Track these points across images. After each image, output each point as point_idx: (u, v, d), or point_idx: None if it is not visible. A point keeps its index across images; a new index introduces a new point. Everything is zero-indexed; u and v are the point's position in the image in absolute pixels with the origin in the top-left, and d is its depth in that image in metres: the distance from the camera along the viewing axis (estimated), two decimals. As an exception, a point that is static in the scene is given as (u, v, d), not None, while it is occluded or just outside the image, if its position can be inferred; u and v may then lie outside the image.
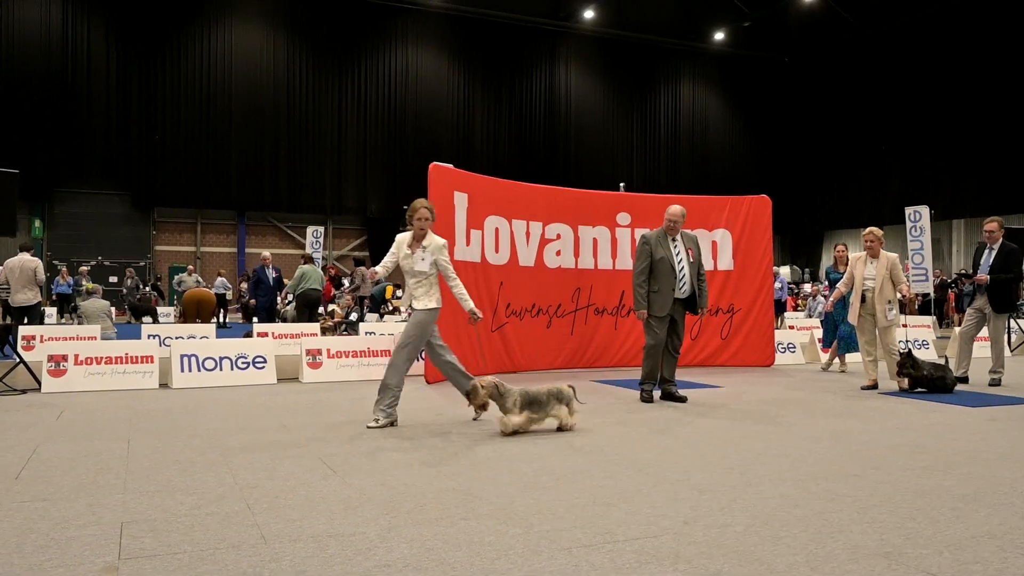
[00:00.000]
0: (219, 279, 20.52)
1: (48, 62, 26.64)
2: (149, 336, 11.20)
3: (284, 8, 30.21)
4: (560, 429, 5.52)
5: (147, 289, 22.23)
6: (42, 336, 10.48)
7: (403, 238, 5.84)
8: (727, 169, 37.40)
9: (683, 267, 7.07)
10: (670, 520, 3.41)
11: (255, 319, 14.30)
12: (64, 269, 21.68)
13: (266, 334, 11.28)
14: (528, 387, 5.50)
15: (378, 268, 5.83)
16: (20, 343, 9.03)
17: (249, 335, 11.63)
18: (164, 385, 8.15)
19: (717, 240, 10.20)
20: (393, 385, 5.66)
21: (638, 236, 7.95)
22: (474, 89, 33.55)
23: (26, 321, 10.50)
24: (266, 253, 14.04)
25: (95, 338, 10.62)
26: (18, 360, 7.74)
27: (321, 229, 22.03)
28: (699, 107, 38.19)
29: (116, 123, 27.81)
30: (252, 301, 13.37)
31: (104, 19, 27.62)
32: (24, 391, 7.44)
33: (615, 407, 6.81)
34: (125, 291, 21.51)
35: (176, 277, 21.18)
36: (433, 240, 5.74)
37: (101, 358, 7.84)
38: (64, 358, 7.67)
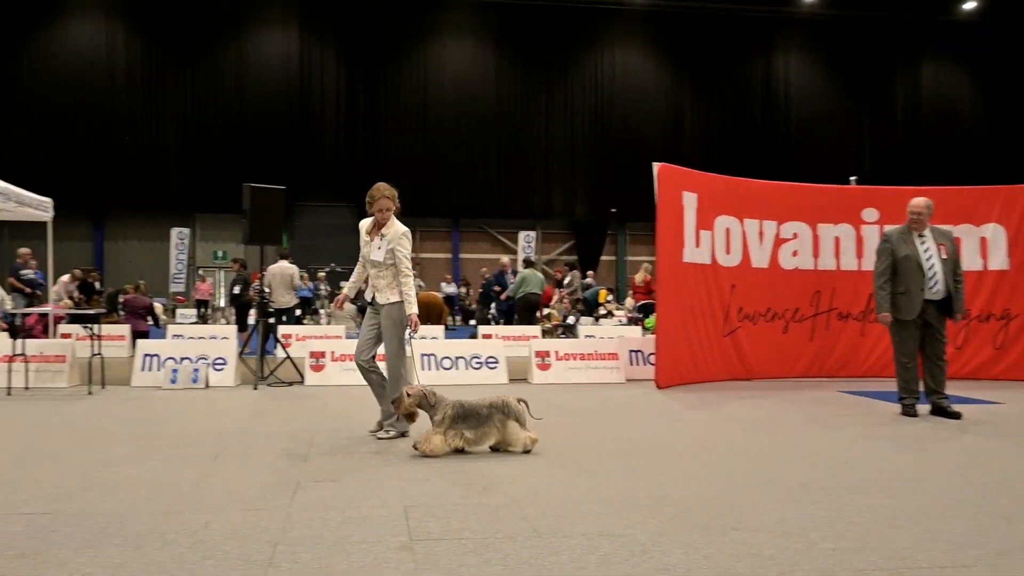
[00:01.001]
0: (446, 283, 21.95)
1: (288, 88, 30.20)
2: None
3: (494, 21, 31.68)
4: (495, 450, 4.78)
5: (375, 293, 24.29)
6: (296, 335, 11.87)
7: (364, 224, 5.53)
8: (979, 157, 33.16)
9: (933, 265, 6.39)
10: (977, 549, 3.07)
11: (479, 320, 15.01)
12: (305, 276, 24.39)
13: (490, 336, 11.86)
14: (465, 398, 4.83)
15: (346, 288, 6.03)
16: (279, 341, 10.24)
17: (474, 336, 12.29)
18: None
19: (987, 236, 9.06)
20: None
21: (889, 234, 7.27)
22: (682, 86, 32.85)
23: (284, 320, 11.96)
24: (505, 259, 14.71)
25: (340, 337, 11.80)
26: (285, 356, 8.82)
27: (533, 234, 22.69)
28: (945, 88, 34.26)
29: (345, 140, 30.83)
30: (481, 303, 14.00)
31: (335, 45, 30.73)
32: (290, 383, 8.45)
33: (866, 419, 6.28)
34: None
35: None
36: (394, 228, 5.36)
37: (349, 355, 8.71)
38: (322, 354, 8.61)
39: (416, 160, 31.25)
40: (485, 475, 4.30)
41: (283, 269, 11.89)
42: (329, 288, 23.40)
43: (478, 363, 8.72)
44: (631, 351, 9.21)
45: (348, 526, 3.36)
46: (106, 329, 10.42)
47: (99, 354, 7.99)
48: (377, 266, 5.36)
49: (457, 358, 8.74)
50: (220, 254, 29.88)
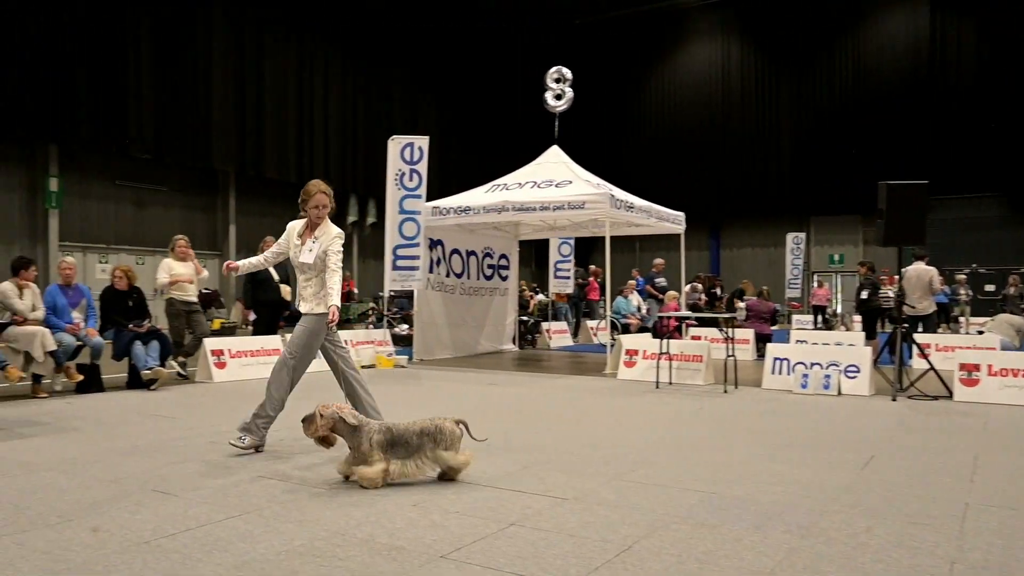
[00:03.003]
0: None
1: (915, 72, 28.30)
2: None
3: None
4: (443, 478, 4.34)
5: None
6: (936, 344, 11.00)
7: (294, 226, 5.39)
8: None
9: None
10: None
11: None
12: (941, 278, 22.42)
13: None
14: (393, 422, 4.34)
15: (242, 262, 5.59)
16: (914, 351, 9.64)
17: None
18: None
19: None
20: (277, 403, 5.12)
21: None
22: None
23: (920, 329, 11.23)
24: None
25: (994, 348, 10.48)
26: (929, 367, 8.29)
27: None
28: None
29: (984, 122, 27.33)
30: None
31: (973, 17, 27.63)
32: (935, 397, 7.90)
33: None
34: (1004, 299, 20.76)
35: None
36: (328, 229, 5.25)
37: (1013, 370, 7.68)
38: (976, 367, 7.82)
39: None
40: None
41: (920, 271, 11.20)
42: (971, 293, 21.07)
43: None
44: None
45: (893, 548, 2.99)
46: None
47: (732, 355, 8.87)
48: (305, 271, 5.29)
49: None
50: (836, 258, 29.86)
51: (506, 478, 4.41)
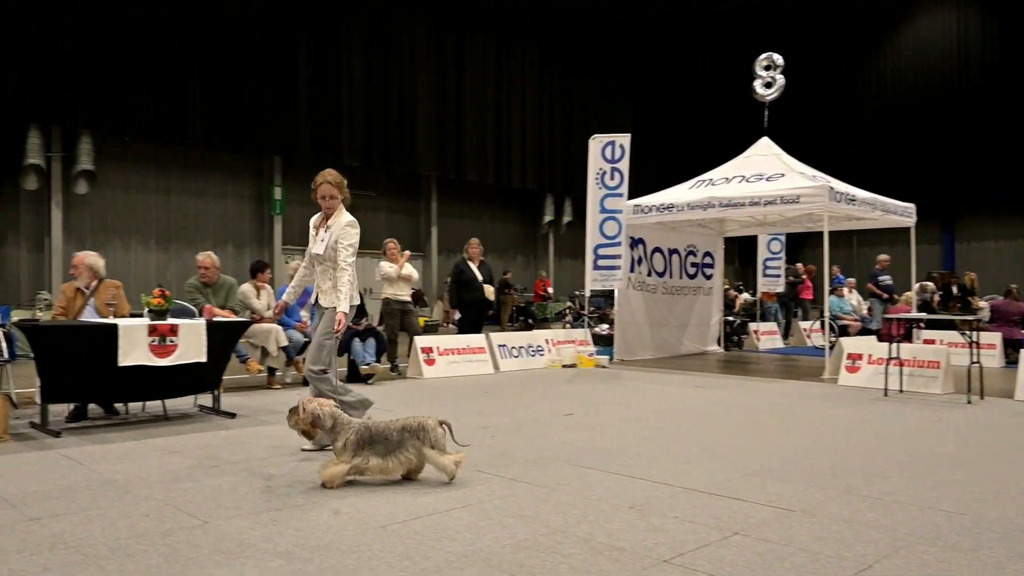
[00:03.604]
0: None
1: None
2: None
3: None
4: (406, 478, 4.31)
5: None
6: None
7: (314, 219, 5.36)
8: None
9: None
10: None
11: None
12: None
13: None
14: (373, 420, 4.31)
15: (286, 295, 5.67)
16: None
17: None
18: None
19: None
20: (338, 389, 5.20)
21: None
22: None
23: None
24: None
25: None
26: None
27: None
28: None
29: None
30: None
31: None
32: None
33: None
34: None
35: None
36: (339, 218, 5.18)
37: None
38: None
39: None
40: None
41: None
42: None
43: None
44: None
45: None
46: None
47: (977, 362, 8.07)
48: (321, 262, 5.21)
49: None
50: (1101, 251, 26.25)
51: (723, 485, 4.31)
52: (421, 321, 16.91)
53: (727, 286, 16.42)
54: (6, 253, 16.62)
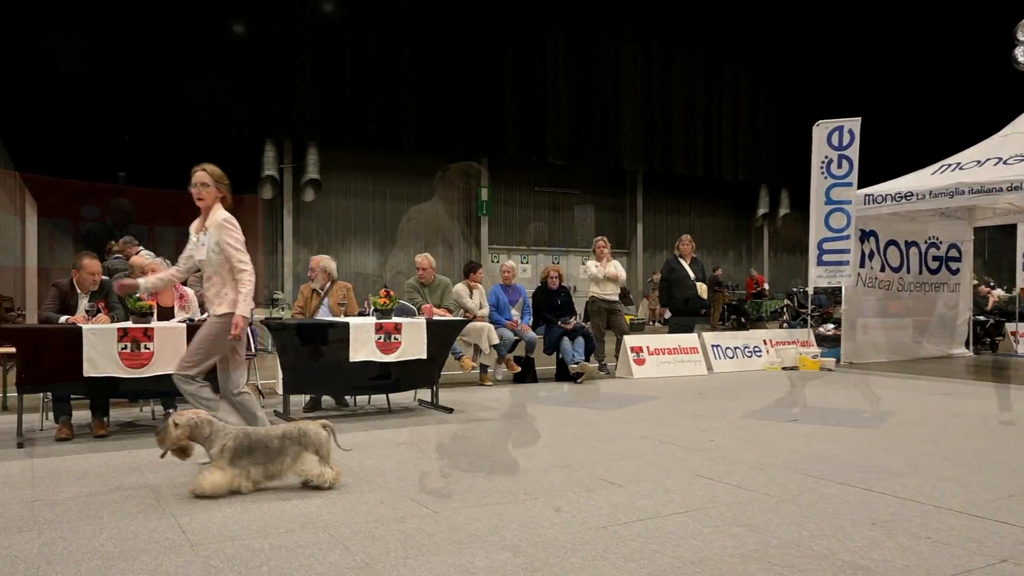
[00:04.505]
0: None
1: None
2: None
3: None
4: (307, 485, 4.17)
5: None
6: None
7: (193, 225, 4.85)
8: None
9: None
10: None
11: None
12: None
13: None
14: (252, 428, 4.21)
15: (142, 281, 5.01)
16: None
17: None
18: None
19: None
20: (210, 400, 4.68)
21: None
22: None
23: None
24: None
25: None
26: None
27: None
28: None
29: None
30: None
31: None
32: None
33: None
34: None
35: None
36: (215, 216, 4.68)
37: None
38: None
39: None
40: None
41: None
42: None
43: None
44: None
45: None
46: None
47: None
48: (206, 269, 4.71)
49: None
50: None
51: (984, 506, 3.93)
52: (627, 319, 16.92)
53: (976, 282, 14.90)
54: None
